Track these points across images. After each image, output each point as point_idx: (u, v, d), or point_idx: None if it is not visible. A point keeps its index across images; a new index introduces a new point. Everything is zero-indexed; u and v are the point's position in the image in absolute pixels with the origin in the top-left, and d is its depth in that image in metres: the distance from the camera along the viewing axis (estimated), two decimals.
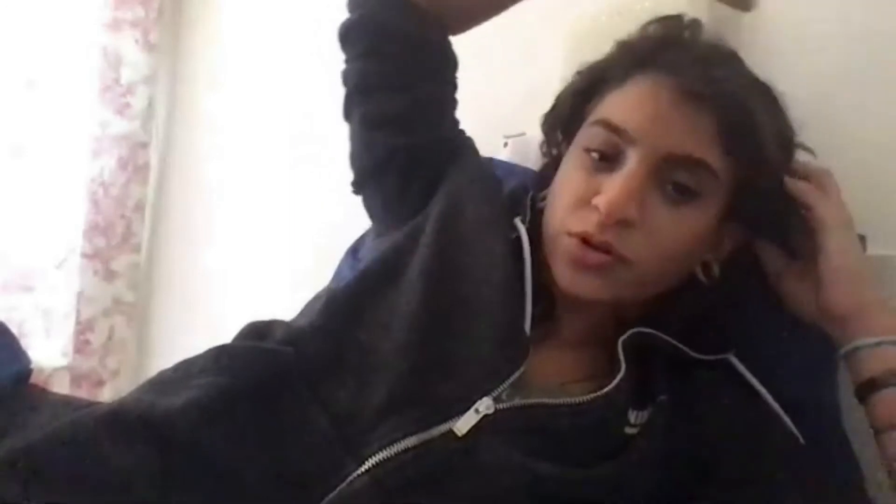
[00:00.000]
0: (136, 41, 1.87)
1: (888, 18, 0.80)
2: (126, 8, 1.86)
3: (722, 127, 0.60)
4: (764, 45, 0.88)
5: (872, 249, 0.71)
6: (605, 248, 0.60)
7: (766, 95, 0.65)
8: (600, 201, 0.60)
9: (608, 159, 0.63)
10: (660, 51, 0.65)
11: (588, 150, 0.64)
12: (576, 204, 0.63)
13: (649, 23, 0.69)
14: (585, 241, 0.61)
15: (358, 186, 0.79)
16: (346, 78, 0.78)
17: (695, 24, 0.68)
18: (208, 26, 1.95)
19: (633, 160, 0.61)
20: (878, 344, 0.61)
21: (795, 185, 0.65)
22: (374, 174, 0.75)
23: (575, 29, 0.95)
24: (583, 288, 0.63)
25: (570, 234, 0.62)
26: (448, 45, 0.77)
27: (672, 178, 0.61)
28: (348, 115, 0.78)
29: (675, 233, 0.61)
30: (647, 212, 0.61)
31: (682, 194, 0.61)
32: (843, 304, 0.63)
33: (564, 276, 0.63)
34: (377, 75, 0.75)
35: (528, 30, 0.86)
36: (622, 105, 0.64)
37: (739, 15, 0.87)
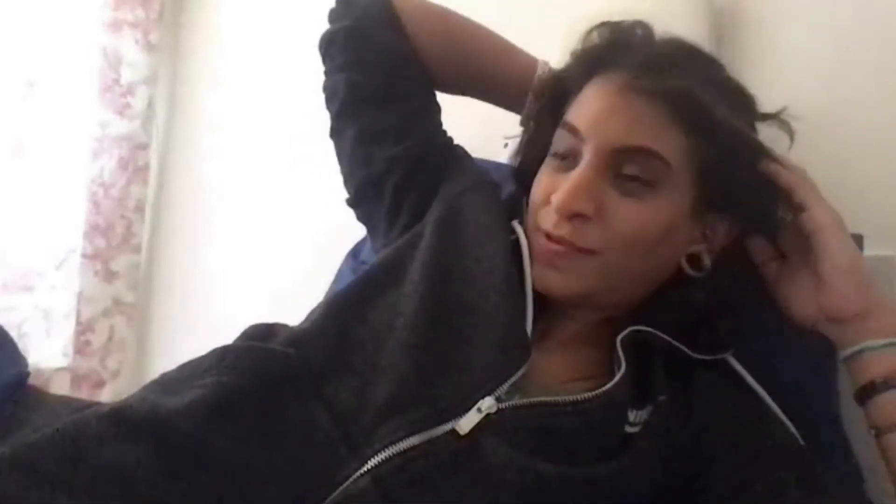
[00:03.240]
0: (137, 41, 1.87)
1: (883, 19, 0.80)
2: (126, 8, 1.85)
3: (673, 114, 0.61)
4: (760, 45, 0.88)
5: (871, 249, 0.71)
6: (565, 244, 0.63)
7: (721, 87, 0.66)
8: (553, 198, 0.62)
9: (568, 160, 0.65)
10: (610, 53, 0.67)
11: (554, 156, 0.67)
12: (542, 203, 0.66)
13: (597, 27, 0.71)
14: (548, 236, 0.63)
15: (355, 202, 0.80)
16: (332, 93, 0.78)
17: (645, 24, 0.70)
18: (208, 26, 1.95)
19: (585, 156, 0.63)
20: (886, 345, 0.61)
21: (786, 180, 0.65)
22: (373, 187, 0.76)
23: (574, 30, 0.95)
24: (549, 283, 0.64)
25: (537, 230, 0.65)
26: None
27: (623, 170, 0.62)
28: (340, 132, 0.78)
29: (636, 222, 0.62)
30: (603, 205, 0.62)
31: (636, 185, 0.62)
32: (849, 305, 0.63)
33: (536, 273, 0.65)
34: (368, 87, 0.76)
35: (528, 31, 0.86)
36: (577, 107, 0.66)
37: (736, 17, 0.87)
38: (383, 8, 0.77)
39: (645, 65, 0.64)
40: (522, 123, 0.81)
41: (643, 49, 0.67)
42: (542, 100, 0.74)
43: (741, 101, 0.67)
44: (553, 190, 0.64)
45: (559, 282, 0.64)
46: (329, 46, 0.79)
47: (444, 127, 0.81)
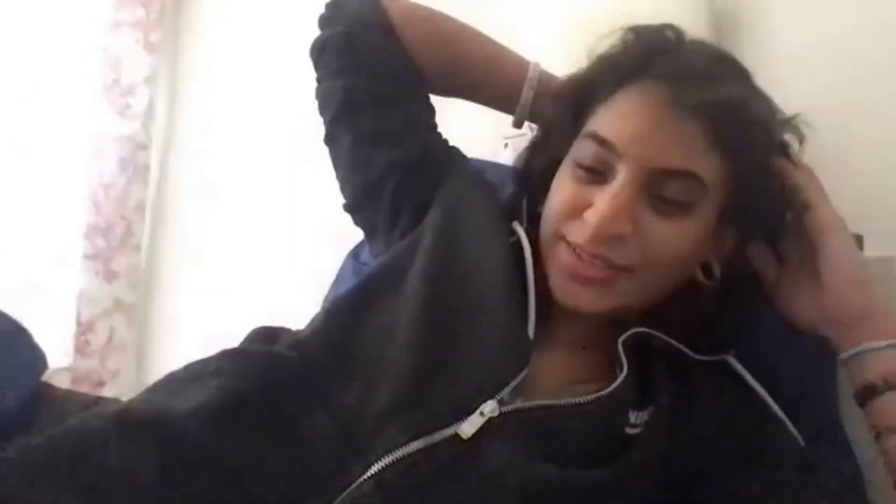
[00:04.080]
0: (137, 41, 1.87)
1: (882, 21, 0.80)
2: (127, 8, 1.86)
3: (714, 135, 0.60)
4: (760, 46, 0.88)
5: (871, 250, 0.71)
6: (601, 260, 0.61)
7: (755, 94, 0.64)
8: (590, 217, 0.61)
9: (598, 173, 0.63)
10: (646, 62, 0.64)
11: (579, 165, 0.65)
12: (569, 213, 0.64)
13: (624, 31, 0.68)
14: (578, 252, 0.62)
15: (353, 207, 0.79)
16: (327, 98, 0.78)
17: (677, 29, 0.68)
18: (208, 26, 1.95)
19: (621, 175, 0.61)
20: (887, 347, 0.61)
21: (795, 178, 0.65)
22: (371, 192, 0.75)
23: (575, 29, 0.95)
24: (577, 299, 0.63)
25: (565, 241, 0.64)
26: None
27: (662, 191, 0.61)
28: (335, 137, 0.78)
29: (671, 243, 0.62)
30: (638, 225, 0.61)
31: (674, 206, 0.61)
32: (850, 307, 0.63)
33: (559, 286, 0.64)
34: (363, 91, 0.75)
35: (528, 30, 0.86)
36: (610, 118, 0.64)
37: (735, 19, 0.87)
38: (375, 13, 0.77)
39: (684, 78, 0.61)
40: (516, 125, 0.80)
41: (679, 58, 0.65)
42: (563, 103, 0.71)
43: (768, 107, 0.65)
44: (582, 202, 0.63)
45: (587, 299, 0.63)
46: (322, 53, 0.78)
47: (444, 128, 0.81)
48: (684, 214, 0.62)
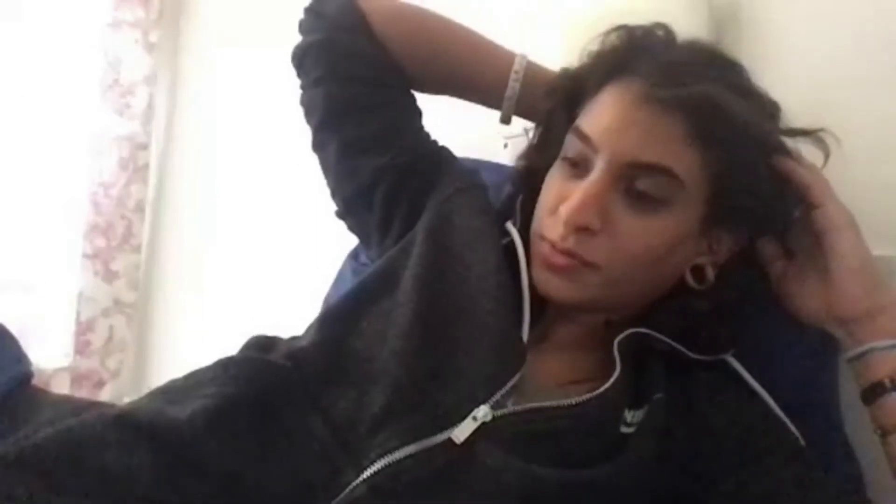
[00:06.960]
0: (136, 41, 1.87)
1: (883, 19, 0.80)
2: (126, 8, 1.85)
3: (690, 130, 0.60)
4: (760, 45, 0.88)
5: (872, 250, 0.70)
6: (570, 254, 0.62)
7: (743, 94, 0.63)
8: (562, 209, 0.61)
9: (580, 167, 0.64)
10: (630, 58, 0.65)
11: (564, 159, 0.65)
12: (549, 210, 0.65)
13: (615, 29, 0.68)
14: (553, 245, 0.62)
15: (344, 215, 0.79)
16: (311, 107, 0.77)
17: (667, 28, 0.68)
18: (208, 26, 1.95)
19: (596, 168, 0.62)
20: (893, 346, 0.60)
21: (800, 177, 0.64)
22: (361, 199, 0.75)
23: (574, 29, 0.95)
24: (552, 289, 0.64)
25: (542, 239, 0.64)
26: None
27: (635, 185, 0.61)
28: (322, 145, 0.77)
29: (642, 239, 0.61)
30: (610, 218, 0.61)
31: (647, 201, 0.61)
32: (858, 305, 0.62)
33: (538, 277, 0.65)
34: (344, 99, 0.75)
35: (527, 30, 0.86)
36: (591, 114, 0.65)
37: (736, 16, 0.87)
38: (353, 16, 0.76)
39: (664, 73, 0.61)
40: (503, 120, 0.79)
41: (662, 56, 0.65)
42: (556, 99, 0.71)
43: (763, 107, 0.65)
44: (563, 198, 0.63)
45: (561, 288, 0.63)
46: (303, 60, 0.78)
47: (442, 128, 0.80)
48: (657, 210, 0.61)
